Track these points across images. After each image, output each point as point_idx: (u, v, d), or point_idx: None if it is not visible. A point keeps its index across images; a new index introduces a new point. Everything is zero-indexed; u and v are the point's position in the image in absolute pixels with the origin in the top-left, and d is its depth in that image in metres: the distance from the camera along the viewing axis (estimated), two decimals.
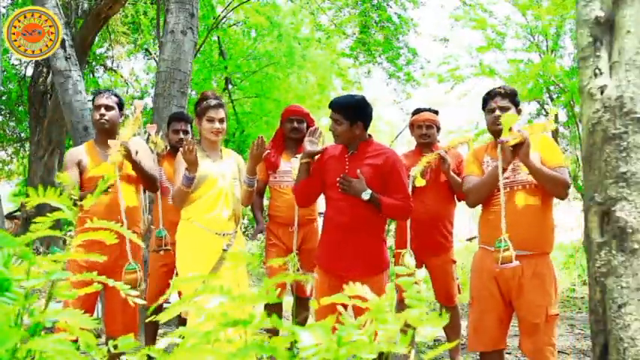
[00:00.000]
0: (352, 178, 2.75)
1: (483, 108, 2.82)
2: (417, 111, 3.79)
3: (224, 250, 2.84)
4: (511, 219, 2.54)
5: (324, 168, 2.88)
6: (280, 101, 10.00)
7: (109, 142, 2.95)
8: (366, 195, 2.72)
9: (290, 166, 3.65)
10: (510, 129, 2.47)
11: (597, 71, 1.72)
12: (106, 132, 3.12)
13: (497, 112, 2.69)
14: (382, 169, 2.80)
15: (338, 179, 2.77)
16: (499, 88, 2.79)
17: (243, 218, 3.31)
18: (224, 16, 9.94)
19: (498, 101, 2.72)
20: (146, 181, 3.15)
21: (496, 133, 2.69)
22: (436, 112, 3.76)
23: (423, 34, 26.54)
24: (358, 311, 2.71)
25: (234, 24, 10.99)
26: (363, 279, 2.83)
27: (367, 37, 11.27)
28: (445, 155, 3.51)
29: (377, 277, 2.80)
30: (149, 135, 3.56)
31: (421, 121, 3.70)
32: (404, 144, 14.69)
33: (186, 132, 3.76)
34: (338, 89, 12.35)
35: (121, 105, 3.22)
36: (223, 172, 2.99)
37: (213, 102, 3.00)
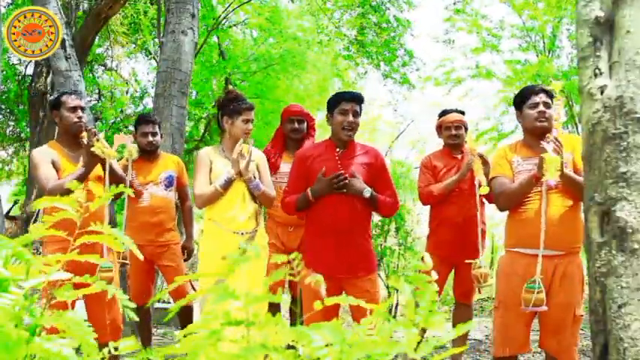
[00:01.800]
0: (350, 177, 2.72)
1: (521, 105, 2.72)
2: (445, 112, 3.75)
3: (241, 249, 2.82)
4: (546, 220, 2.51)
5: (311, 169, 2.81)
6: (280, 102, 9.99)
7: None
8: (367, 192, 2.71)
9: (289, 167, 3.64)
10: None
11: (597, 71, 1.72)
12: (78, 134, 3.02)
13: (542, 107, 2.62)
14: (373, 167, 2.82)
15: (333, 178, 2.70)
16: (541, 85, 2.75)
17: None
18: (224, 17, 9.93)
19: (543, 97, 2.65)
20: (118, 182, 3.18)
21: (537, 129, 2.61)
22: (462, 113, 3.74)
23: (421, 36, 26.54)
24: (356, 311, 2.71)
25: (235, 25, 10.98)
26: (361, 278, 2.85)
27: (365, 37, 11.29)
28: (487, 157, 3.39)
29: (371, 276, 2.81)
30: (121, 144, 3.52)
31: (450, 123, 3.66)
32: (405, 145, 14.68)
33: (154, 134, 3.73)
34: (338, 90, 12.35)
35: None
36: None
37: (249, 103, 3.03)
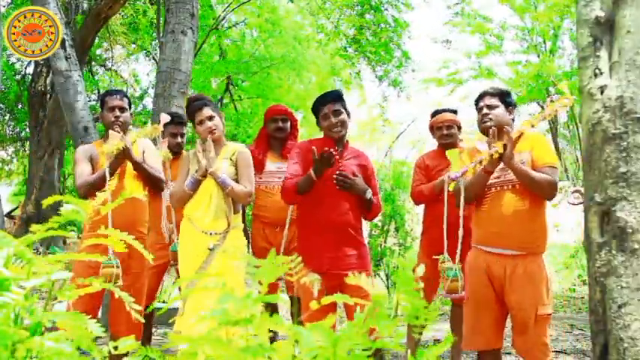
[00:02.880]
0: (353, 176, 2.76)
1: (476, 109, 2.84)
2: (436, 112, 3.76)
3: (210, 250, 2.82)
4: (500, 219, 2.57)
5: (311, 162, 2.77)
6: (281, 102, 9.99)
7: (110, 132, 3.00)
8: (369, 194, 2.77)
9: (276, 166, 3.64)
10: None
11: (597, 71, 1.72)
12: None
13: (485, 110, 2.72)
14: (366, 170, 2.90)
15: (338, 176, 2.74)
16: (489, 88, 2.84)
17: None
18: (224, 17, 9.93)
19: (486, 100, 2.76)
20: (148, 180, 3.15)
21: (485, 131, 2.74)
22: (455, 112, 3.74)
23: (420, 37, 26.54)
24: (350, 309, 2.72)
25: (234, 25, 10.99)
26: (355, 276, 2.83)
27: (363, 37, 11.28)
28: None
29: (365, 274, 2.81)
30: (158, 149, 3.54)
31: (441, 123, 3.67)
32: (405, 144, 14.68)
33: (182, 135, 3.74)
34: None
35: (130, 105, 3.26)
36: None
37: (197, 104, 3.00)
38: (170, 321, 2.86)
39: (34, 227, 1.03)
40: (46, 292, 1.04)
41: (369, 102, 15.64)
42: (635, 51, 1.66)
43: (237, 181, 2.95)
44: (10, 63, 10.96)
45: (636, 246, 1.58)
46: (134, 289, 2.90)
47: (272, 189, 3.62)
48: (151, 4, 10.19)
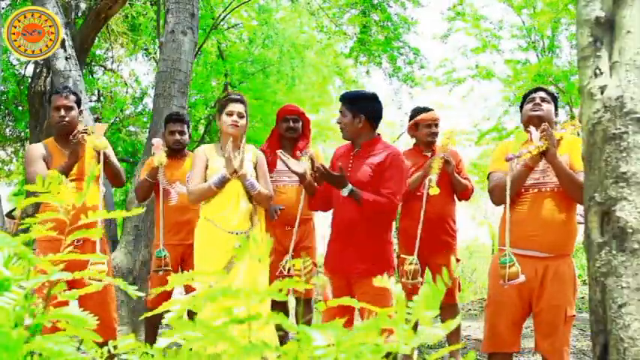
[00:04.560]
0: (332, 172, 2.65)
1: (522, 105, 2.82)
2: (420, 110, 3.77)
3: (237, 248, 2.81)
4: (537, 221, 2.54)
5: (332, 168, 2.81)
6: (281, 103, 9.98)
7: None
8: (345, 191, 2.63)
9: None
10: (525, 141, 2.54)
11: (597, 71, 1.72)
12: (67, 132, 3.11)
13: (538, 100, 2.70)
14: (382, 166, 2.71)
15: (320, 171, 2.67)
16: (543, 86, 2.87)
17: None
18: (223, 18, 9.92)
19: (541, 93, 2.75)
20: (114, 176, 3.23)
21: (530, 121, 2.68)
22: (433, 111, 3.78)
23: (423, 34, 26.55)
24: (362, 310, 2.70)
25: (233, 26, 10.97)
26: (368, 278, 2.81)
27: (367, 37, 11.26)
28: (449, 158, 3.49)
29: (388, 275, 2.79)
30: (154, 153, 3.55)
31: (430, 120, 3.69)
32: (405, 144, 14.68)
33: (182, 133, 3.75)
34: (339, 90, 12.32)
35: (78, 103, 3.23)
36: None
37: (234, 96, 3.04)
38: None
39: (32, 227, 1.03)
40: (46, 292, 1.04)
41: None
42: (635, 51, 1.66)
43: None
44: (11, 63, 10.96)
45: (636, 246, 1.58)
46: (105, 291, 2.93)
47: (283, 188, 3.64)
48: (151, 4, 10.19)
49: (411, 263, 3.32)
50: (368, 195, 2.63)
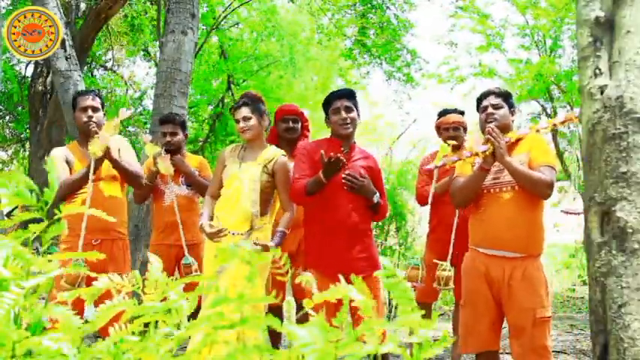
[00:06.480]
0: (362, 178, 2.73)
1: (478, 109, 2.82)
2: (443, 113, 3.73)
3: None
4: (499, 221, 2.55)
5: (318, 163, 2.75)
6: (283, 102, 9.99)
7: (100, 133, 2.96)
8: (376, 198, 2.77)
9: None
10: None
11: (597, 71, 1.72)
12: (90, 134, 3.08)
13: (490, 110, 2.70)
14: (373, 172, 2.86)
15: (346, 177, 2.71)
16: (494, 87, 2.82)
17: None
18: (224, 17, 9.93)
19: (491, 99, 2.73)
20: (128, 177, 3.16)
21: (483, 129, 2.71)
22: (462, 113, 3.72)
23: (423, 36, 26.55)
24: (353, 310, 2.70)
25: (234, 25, 10.97)
26: (364, 278, 2.82)
27: (366, 38, 11.27)
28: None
29: (374, 277, 2.80)
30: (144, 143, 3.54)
31: (448, 124, 3.64)
32: (406, 144, 14.65)
33: (173, 134, 3.73)
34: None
35: (103, 105, 3.24)
36: (243, 174, 2.94)
37: (237, 103, 3.03)
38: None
39: (31, 227, 1.03)
40: (46, 292, 1.04)
41: (375, 100, 15.68)
42: (635, 51, 1.66)
43: (270, 188, 2.93)
44: (11, 64, 10.97)
45: (636, 246, 1.58)
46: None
47: None
48: (151, 4, 10.19)
49: (444, 269, 3.25)
50: (383, 203, 2.88)
